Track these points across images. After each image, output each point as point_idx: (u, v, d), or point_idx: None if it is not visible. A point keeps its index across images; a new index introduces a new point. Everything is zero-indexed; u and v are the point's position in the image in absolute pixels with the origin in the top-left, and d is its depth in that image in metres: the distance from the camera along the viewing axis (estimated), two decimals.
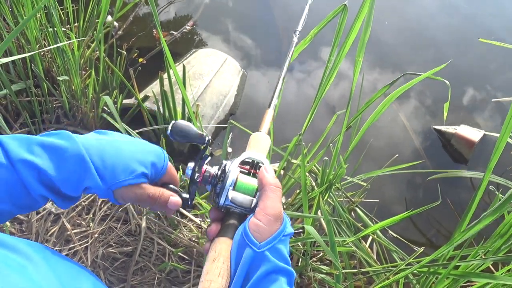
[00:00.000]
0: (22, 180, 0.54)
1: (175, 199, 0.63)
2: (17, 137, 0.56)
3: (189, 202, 0.65)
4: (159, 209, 0.63)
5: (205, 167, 0.63)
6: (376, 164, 1.88)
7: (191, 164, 0.64)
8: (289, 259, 0.56)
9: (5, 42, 0.99)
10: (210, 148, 1.84)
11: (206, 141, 0.63)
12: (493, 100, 2.42)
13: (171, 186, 0.65)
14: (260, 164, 0.65)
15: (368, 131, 1.19)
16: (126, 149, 0.60)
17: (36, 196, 0.56)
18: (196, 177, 0.63)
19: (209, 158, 0.65)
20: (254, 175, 0.64)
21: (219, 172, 0.62)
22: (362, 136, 1.21)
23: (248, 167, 0.65)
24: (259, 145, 0.72)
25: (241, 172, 0.63)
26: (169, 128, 0.62)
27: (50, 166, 0.55)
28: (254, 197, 0.60)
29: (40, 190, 0.55)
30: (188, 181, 0.64)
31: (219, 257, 0.54)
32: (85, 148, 0.57)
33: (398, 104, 2.30)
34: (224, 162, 0.63)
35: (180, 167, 1.55)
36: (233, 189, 0.61)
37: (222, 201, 0.60)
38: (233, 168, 0.62)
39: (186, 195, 0.65)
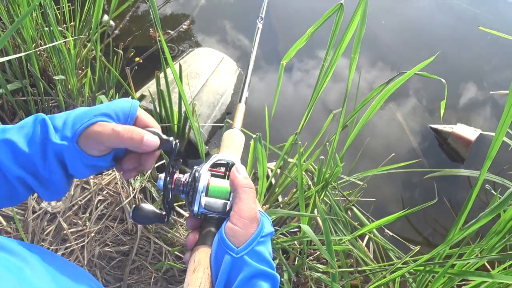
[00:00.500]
0: None
1: (151, 136, 0.55)
2: None
3: (166, 218, 0.60)
4: (134, 147, 0.55)
5: (176, 175, 0.60)
6: (373, 163, 1.88)
7: (162, 175, 0.60)
8: (271, 260, 0.54)
9: (0, 41, 0.98)
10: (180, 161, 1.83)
11: (165, 220, 0.60)
12: (491, 92, 2.42)
13: (149, 129, 0.57)
14: (232, 165, 0.63)
15: (365, 130, 1.19)
16: (89, 108, 0.56)
17: (13, 179, 0.54)
18: (168, 188, 0.60)
19: (180, 163, 0.62)
20: (228, 177, 0.60)
21: (190, 179, 0.59)
22: (359, 136, 1.21)
23: (220, 169, 0.63)
24: (231, 144, 0.70)
25: (213, 175, 0.61)
26: (131, 212, 0.60)
27: (22, 141, 0.53)
28: (229, 199, 0.58)
29: (15, 171, 0.53)
30: (163, 196, 0.61)
31: (199, 267, 0.53)
32: (51, 117, 0.55)
33: (395, 104, 2.30)
34: (195, 167, 0.61)
35: None
36: (206, 195, 0.58)
37: (196, 208, 0.58)
38: (203, 172, 0.59)
39: (168, 138, 0.58)
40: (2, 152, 0.52)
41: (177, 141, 0.59)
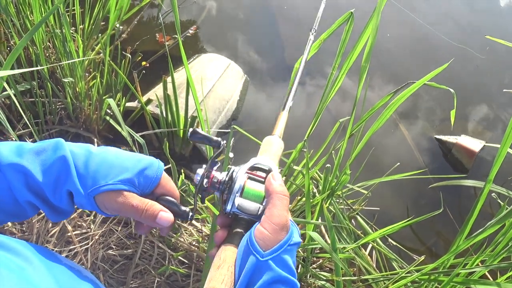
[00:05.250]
0: (9, 185, 0.54)
1: (166, 214, 0.58)
2: (9, 143, 0.56)
3: (190, 215, 0.62)
4: (148, 223, 0.58)
5: (213, 173, 0.62)
6: (377, 174, 1.88)
7: (200, 170, 0.62)
8: (294, 270, 0.54)
9: (14, 51, 0.96)
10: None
11: (221, 145, 0.63)
12: (504, 90, 2.44)
13: (167, 197, 0.61)
14: (269, 171, 0.64)
15: (370, 140, 1.19)
16: (113, 157, 0.58)
17: (23, 202, 0.55)
18: (204, 183, 0.62)
19: (218, 164, 0.64)
20: (263, 182, 0.62)
21: (227, 179, 0.61)
22: (363, 146, 1.22)
23: (256, 172, 0.64)
24: (270, 150, 0.71)
25: (249, 178, 0.62)
26: (190, 131, 0.63)
27: (37, 170, 0.54)
28: (262, 204, 0.59)
29: (26, 196, 0.54)
30: (195, 188, 0.63)
31: (224, 264, 0.53)
32: (71, 153, 0.56)
33: (399, 114, 2.31)
34: (232, 168, 0.62)
35: (182, 170, 1.55)
36: (240, 196, 0.59)
37: (229, 207, 0.59)
38: (240, 174, 0.61)
39: (185, 208, 0.61)
40: (15, 178, 0.54)
41: (192, 214, 0.62)
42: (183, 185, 1.43)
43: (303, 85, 2.39)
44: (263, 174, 0.63)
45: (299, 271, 1.44)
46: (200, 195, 0.63)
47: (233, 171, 0.62)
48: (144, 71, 1.92)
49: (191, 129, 0.63)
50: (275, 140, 0.73)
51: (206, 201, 1.31)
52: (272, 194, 0.56)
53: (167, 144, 1.34)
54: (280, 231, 0.53)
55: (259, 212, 0.58)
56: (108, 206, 0.56)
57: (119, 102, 1.71)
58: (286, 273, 0.52)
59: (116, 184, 0.55)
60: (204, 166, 0.63)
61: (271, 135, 0.74)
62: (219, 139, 0.63)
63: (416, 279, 1.11)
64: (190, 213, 0.61)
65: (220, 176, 0.62)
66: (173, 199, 0.61)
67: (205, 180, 0.62)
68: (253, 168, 0.64)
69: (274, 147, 0.71)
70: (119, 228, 1.46)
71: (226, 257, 0.54)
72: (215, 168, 0.63)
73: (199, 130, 0.63)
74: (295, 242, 0.55)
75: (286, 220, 0.55)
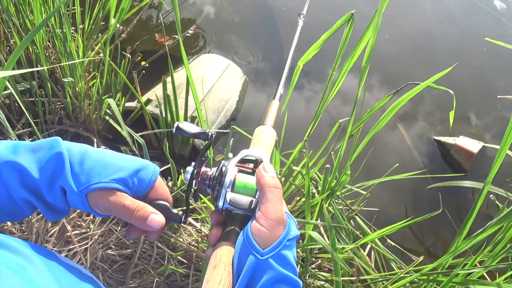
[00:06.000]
0: (4, 183, 0.53)
1: (157, 217, 0.56)
2: (4, 142, 0.55)
3: (184, 218, 0.60)
4: (138, 225, 0.56)
5: (203, 169, 0.59)
6: (376, 174, 1.89)
7: (189, 168, 0.59)
8: (295, 266, 0.52)
9: (15, 52, 0.96)
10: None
11: (209, 137, 0.59)
12: (498, 96, 2.44)
13: (159, 202, 0.58)
14: (258, 161, 0.61)
15: (368, 141, 1.19)
16: (109, 157, 0.57)
17: (18, 200, 0.55)
18: (194, 183, 0.59)
19: (208, 159, 0.62)
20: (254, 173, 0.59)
21: (217, 174, 0.58)
22: (363, 147, 1.22)
23: (247, 165, 0.61)
24: (261, 140, 0.68)
25: (240, 171, 0.59)
26: (175, 126, 0.59)
27: (33, 167, 0.53)
28: (255, 197, 0.57)
29: (21, 193, 0.54)
30: (187, 187, 0.60)
31: (220, 264, 0.51)
32: (68, 150, 0.55)
33: (397, 115, 2.31)
34: (222, 162, 0.59)
35: (181, 170, 1.55)
36: (232, 191, 0.57)
37: (221, 204, 0.57)
38: (230, 168, 0.58)
39: (177, 212, 0.59)
40: (11, 175, 0.53)
41: (185, 216, 0.60)
42: (183, 185, 1.43)
43: (303, 85, 2.39)
44: (255, 165, 0.61)
45: (298, 271, 1.44)
46: (193, 194, 0.61)
47: (222, 165, 0.59)
48: (143, 71, 1.92)
49: (176, 124, 0.59)
50: (267, 129, 0.70)
51: (204, 198, 1.31)
52: (264, 188, 0.54)
53: (167, 144, 1.34)
54: (277, 226, 0.52)
55: (252, 206, 0.56)
56: (100, 204, 0.55)
57: (118, 102, 1.71)
58: (288, 271, 0.50)
59: (109, 182, 0.54)
60: (193, 163, 0.60)
61: (263, 125, 0.72)
62: (207, 130, 0.59)
63: (415, 279, 1.11)
64: (183, 216, 0.59)
65: (210, 171, 0.59)
66: (165, 203, 0.59)
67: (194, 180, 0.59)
68: (243, 161, 0.61)
69: (266, 136, 0.69)
70: (119, 228, 1.46)
71: (222, 256, 0.53)
72: (204, 164, 0.60)
73: (182, 125, 0.59)
74: (293, 236, 0.53)
75: (282, 213, 0.53)
